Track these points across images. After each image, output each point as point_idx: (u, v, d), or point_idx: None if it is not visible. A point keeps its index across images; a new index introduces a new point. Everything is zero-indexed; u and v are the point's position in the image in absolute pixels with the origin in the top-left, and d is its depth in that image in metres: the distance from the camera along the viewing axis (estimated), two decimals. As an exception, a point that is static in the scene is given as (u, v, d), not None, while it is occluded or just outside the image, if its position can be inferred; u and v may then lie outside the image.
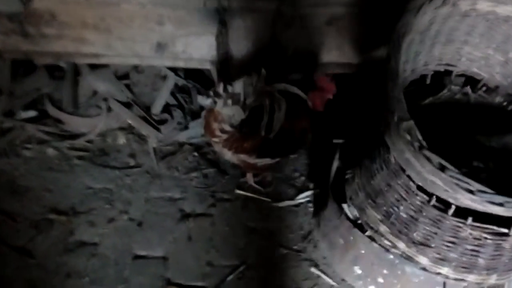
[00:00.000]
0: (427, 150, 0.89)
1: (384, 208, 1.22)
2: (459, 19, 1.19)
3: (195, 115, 1.91)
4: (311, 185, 1.77)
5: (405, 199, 1.15)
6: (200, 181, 1.75)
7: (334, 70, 1.64)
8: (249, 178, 1.73)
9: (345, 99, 1.69)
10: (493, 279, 1.14)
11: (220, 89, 1.36)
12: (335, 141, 1.55)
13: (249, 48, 1.48)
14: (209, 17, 1.45)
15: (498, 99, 1.37)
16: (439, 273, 1.16)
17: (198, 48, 1.59)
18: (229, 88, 1.38)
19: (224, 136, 1.38)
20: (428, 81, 1.35)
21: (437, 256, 1.14)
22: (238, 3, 1.36)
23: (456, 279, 1.15)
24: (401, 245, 1.19)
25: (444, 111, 1.34)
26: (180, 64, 1.66)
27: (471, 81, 1.37)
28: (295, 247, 1.59)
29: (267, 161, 1.48)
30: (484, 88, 1.35)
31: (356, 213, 1.34)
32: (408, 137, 0.92)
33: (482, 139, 1.43)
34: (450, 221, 1.08)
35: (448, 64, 1.31)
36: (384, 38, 1.59)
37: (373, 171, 1.26)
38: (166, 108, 1.91)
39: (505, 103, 1.36)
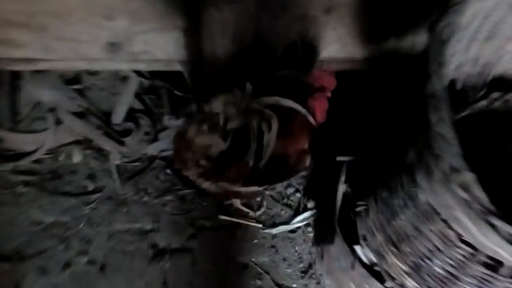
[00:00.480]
0: (494, 216, 0.61)
1: (412, 258, 0.95)
2: (506, 12, 0.89)
3: (166, 121, 1.59)
4: (309, 204, 1.50)
5: (440, 251, 0.88)
6: (176, 206, 1.45)
7: (335, 67, 1.32)
8: (235, 200, 1.44)
9: (350, 101, 1.39)
10: None
11: (193, 109, 1.04)
12: (339, 158, 1.25)
13: (228, 47, 1.15)
14: (174, 8, 1.10)
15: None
16: None
17: (163, 47, 1.24)
18: (205, 108, 1.05)
19: (199, 170, 1.07)
20: (458, 87, 1.05)
21: (483, 322, 0.88)
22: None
23: None
24: (436, 304, 0.93)
25: (479, 122, 1.06)
26: (141, 66, 1.31)
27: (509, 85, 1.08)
28: (294, 286, 1.32)
29: (254, 188, 1.19)
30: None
31: (371, 256, 1.07)
32: (464, 195, 0.63)
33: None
34: (503, 282, 0.82)
35: (485, 65, 1.01)
36: (393, 27, 1.31)
37: (394, 208, 0.98)
38: (130, 116, 1.57)
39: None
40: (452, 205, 0.67)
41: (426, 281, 0.93)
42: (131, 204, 1.44)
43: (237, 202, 1.43)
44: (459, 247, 0.85)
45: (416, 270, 0.94)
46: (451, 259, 0.88)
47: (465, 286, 0.87)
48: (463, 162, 0.64)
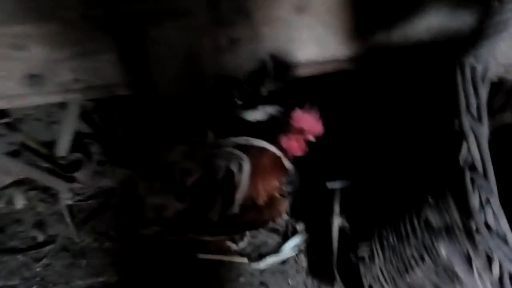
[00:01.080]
0: None
1: (434, 320, 0.78)
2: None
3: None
4: (299, 227, 1.31)
5: (471, 317, 0.71)
6: (144, 249, 1.24)
7: (315, 70, 1.10)
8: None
9: (340, 112, 1.17)
10: None
11: (145, 160, 0.81)
12: (330, 185, 1.05)
13: (179, 70, 0.90)
14: (102, 29, 0.84)
15: None
16: None
17: (99, 72, 0.98)
18: (159, 159, 0.83)
19: (154, 228, 0.86)
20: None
21: None
22: (152, 4, 0.76)
23: None
24: None
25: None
26: (77, 96, 1.05)
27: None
28: (291, 328, 1.16)
29: (224, 238, 0.99)
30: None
31: (382, 308, 0.90)
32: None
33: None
34: None
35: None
36: (380, 18, 1.08)
37: (406, 259, 0.80)
38: (77, 144, 1.32)
39: None
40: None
41: None
42: (90, 253, 1.22)
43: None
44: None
45: (440, 334, 0.78)
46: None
47: None
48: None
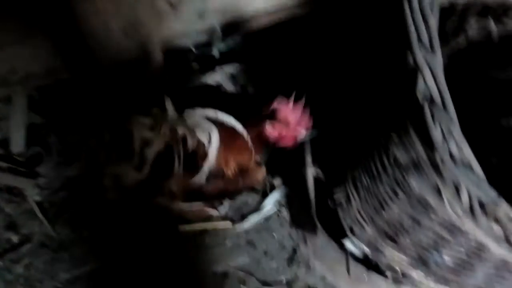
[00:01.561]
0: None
1: (414, 249, 0.81)
2: None
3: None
4: (276, 181, 1.31)
5: (447, 241, 0.74)
6: (125, 231, 1.22)
7: (266, 21, 1.05)
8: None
9: (302, 60, 1.13)
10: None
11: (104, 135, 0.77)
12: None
13: (120, 42, 0.85)
14: (31, 12, 0.77)
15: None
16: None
17: (35, 59, 0.91)
18: (118, 131, 0.79)
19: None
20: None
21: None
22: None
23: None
24: (449, 291, 0.82)
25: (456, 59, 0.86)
26: (17, 88, 0.98)
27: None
28: (284, 279, 1.19)
29: (198, 205, 0.99)
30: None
31: (364, 247, 0.92)
32: (497, 229, 0.46)
33: (497, 73, 1.01)
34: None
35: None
36: None
37: (381, 197, 0.81)
38: (34, 136, 1.25)
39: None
40: (479, 237, 0.50)
41: (435, 272, 0.81)
42: (70, 245, 1.19)
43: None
44: (471, 235, 0.71)
45: (421, 262, 0.81)
46: (462, 247, 0.74)
47: (481, 272, 0.75)
48: (495, 193, 0.45)
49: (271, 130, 0.89)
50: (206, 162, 0.84)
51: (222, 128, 0.84)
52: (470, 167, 0.47)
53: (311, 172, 1.01)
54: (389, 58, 0.55)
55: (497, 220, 0.48)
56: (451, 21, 0.80)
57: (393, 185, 0.77)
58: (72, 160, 1.28)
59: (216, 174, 0.88)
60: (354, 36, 0.93)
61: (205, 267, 1.19)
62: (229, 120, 0.83)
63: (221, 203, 1.19)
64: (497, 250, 0.51)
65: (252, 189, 1.30)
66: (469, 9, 0.79)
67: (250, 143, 0.90)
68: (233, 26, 0.92)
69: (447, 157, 0.47)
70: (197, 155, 0.85)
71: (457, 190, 0.48)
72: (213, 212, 1.25)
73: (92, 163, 0.88)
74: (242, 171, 0.91)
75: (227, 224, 1.24)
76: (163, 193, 0.88)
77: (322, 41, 1.09)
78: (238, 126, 0.84)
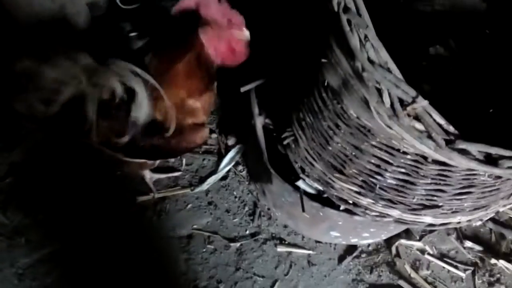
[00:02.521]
0: (462, 140, 0.49)
1: (361, 178, 0.85)
2: None
3: None
4: (230, 141, 1.33)
5: (389, 163, 0.78)
6: (81, 208, 1.19)
7: None
8: (145, 173, 1.20)
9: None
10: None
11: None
12: (243, 89, 1.05)
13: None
14: None
15: None
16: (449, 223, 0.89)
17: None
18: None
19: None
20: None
21: (447, 211, 0.85)
22: None
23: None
24: (396, 212, 0.87)
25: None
26: None
27: None
28: (247, 232, 1.22)
29: (142, 161, 0.99)
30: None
31: (317, 185, 0.96)
32: (420, 127, 0.49)
33: (422, 5, 1.05)
34: (459, 172, 0.76)
35: None
36: None
37: (325, 132, 0.84)
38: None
39: None
40: (406, 137, 0.54)
41: (381, 195, 0.85)
42: (26, 230, 1.15)
43: (147, 174, 1.20)
44: (407, 153, 0.75)
45: (368, 189, 0.85)
46: (402, 167, 0.79)
47: (422, 187, 0.81)
48: (413, 90, 0.48)
49: (207, 40, 0.81)
50: (130, 117, 0.82)
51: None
52: (388, 69, 0.49)
53: (259, 121, 1.03)
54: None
55: (417, 118, 0.52)
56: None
57: (334, 118, 0.80)
58: (13, 145, 1.23)
59: (153, 130, 0.86)
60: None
61: (169, 232, 1.19)
62: (153, 82, 0.80)
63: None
64: (421, 147, 0.55)
65: (208, 152, 1.31)
66: None
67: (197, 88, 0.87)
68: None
69: (366, 63, 0.50)
70: (124, 109, 0.83)
71: (380, 93, 0.51)
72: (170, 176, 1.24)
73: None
74: (182, 130, 0.89)
75: (186, 189, 1.24)
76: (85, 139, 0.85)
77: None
78: (155, 83, 0.81)
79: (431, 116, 0.50)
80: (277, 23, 1.05)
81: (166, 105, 0.85)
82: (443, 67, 0.93)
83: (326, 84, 0.69)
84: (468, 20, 0.97)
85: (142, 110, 0.82)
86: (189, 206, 1.23)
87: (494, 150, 0.52)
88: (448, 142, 0.52)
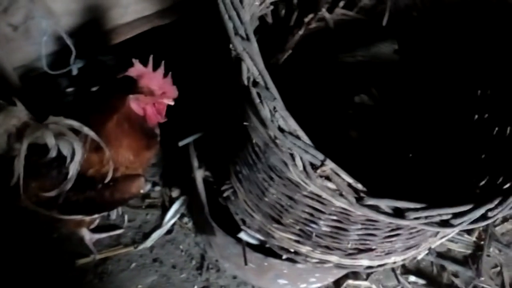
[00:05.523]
0: (369, 196, 0.52)
1: (297, 227, 0.87)
2: None
3: None
4: (174, 193, 1.31)
5: (321, 211, 0.81)
6: (18, 270, 1.12)
7: (142, 28, 1.05)
8: (84, 233, 1.15)
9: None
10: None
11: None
12: (181, 143, 1.06)
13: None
14: None
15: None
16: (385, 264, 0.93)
17: None
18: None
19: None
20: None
21: (381, 253, 0.88)
22: None
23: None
24: (334, 258, 0.90)
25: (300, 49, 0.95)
26: None
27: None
28: (195, 287, 1.19)
29: (79, 217, 0.97)
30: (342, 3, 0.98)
31: (259, 236, 0.97)
32: (332, 186, 0.52)
33: (345, 57, 1.13)
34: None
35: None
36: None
37: (260, 184, 0.86)
38: None
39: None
40: (323, 195, 0.57)
41: (318, 242, 0.87)
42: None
43: (87, 235, 1.15)
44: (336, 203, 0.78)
45: (305, 237, 0.87)
46: (333, 215, 0.81)
47: (354, 233, 0.84)
48: (321, 154, 0.51)
49: (136, 105, 0.85)
50: (61, 174, 0.81)
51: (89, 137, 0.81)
52: (297, 136, 0.53)
53: (199, 175, 1.03)
54: (225, 53, 0.59)
55: (328, 178, 0.55)
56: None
57: (267, 171, 0.82)
58: None
59: (84, 183, 0.85)
60: (210, 37, 0.97)
61: (113, 297, 1.14)
62: (92, 134, 0.80)
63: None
64: (338, 203, 0.58)
65: (151, 206, 1.28)
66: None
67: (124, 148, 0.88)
68: (91, 43, 0.91)
69: (277, 131, 0.53)
70: (58, 166, 0.82)
71: (293, 157, 0.54)
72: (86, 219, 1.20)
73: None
74: (115, 180, 0.88)
75: (129, 248, 1.20)
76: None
77: (188, 47, 1.13)
78: (101, 142, 0.81)
79: (339, 176, 0.54)
80: (211, 80, 1.09)
81: (105, 156, 0.84)
82: (367, 114, 1.00)
83: (253, 141, 0.72)
84: (386, 70, 1.05)
85: (76, 166, 0.81)
86: (133, 265, 1.19)
87: (400, 204, 0.56)
88: (358, 199, 0.56)
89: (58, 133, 0.83)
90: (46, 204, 0.89)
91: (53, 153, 0.82)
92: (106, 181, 0.84)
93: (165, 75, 0.86)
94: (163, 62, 0.84)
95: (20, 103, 0.80)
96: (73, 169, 0.80)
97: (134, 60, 0.80)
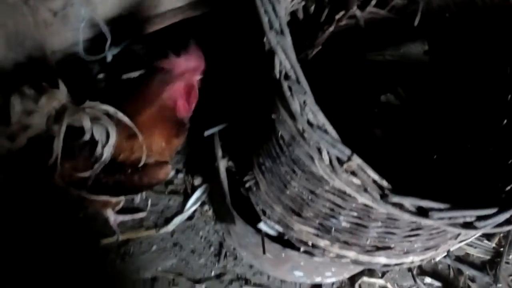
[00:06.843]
0: (393, 193, 0.53)
1: (317, 221, 0.88)
2: None
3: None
4: (196, 181, 1.34)
5: (342, 207, 0.82)
6: (39, 250, 1.17)
7: (174, 18, 1.07)
8: (109, 214, 1.20)
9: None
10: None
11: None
12: (206, 133, 1.08)
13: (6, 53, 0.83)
14: None
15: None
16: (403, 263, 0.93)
17: None
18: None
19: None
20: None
21: (399, 251, 0.89)
22: None
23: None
24: (352, 253, 0.91)
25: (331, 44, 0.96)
26: None
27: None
28: (212, 274, 1.22)
29: (106, 198, 1.00)
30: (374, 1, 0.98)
31: (277, 227, 0.99)
32: (357, 181, 0.54)
33: (374, 55, 1.13)
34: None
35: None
36: None
37: (283, 176, 0.88)
38: None
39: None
40: (347, 190, 0.58)
41: (337, 237, 0.89)
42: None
43: (111, 216, 1.20)
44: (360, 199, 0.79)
45: (324, 231, 0.89)
46: (354, 211, 0.83)
47: (374, 230, 0.85)
48: (348, 149, 0.52)
49: (169, 97, 0.89)
50: (99, 159, 0.85)
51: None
52: (325, 131, 0.54)
53: (222, 164, 1.06)
54: (258, 46, 0.61)
55: (354, 173, 0.56)
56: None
57: (290, 164, 0.84)
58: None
59: (115, 167, 0.89)
60: (241, 31, 0.99)
61: (133, 275, 1.18)
62: (127, 120, 0.84)
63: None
64: (362, 199, 0.59)
65: (174, 192, 1.32)
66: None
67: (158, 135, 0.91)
68: (125, 31, 0.93)
69: (306, 125, 0.54)
70: (90, 149, 0.86)
71: (320, 151, 0.55)
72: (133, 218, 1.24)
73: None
74: (145, 166, 0.92)
75: (150, 231, 1.24)
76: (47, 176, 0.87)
77: (218, 38, 1.15)
78: (135, 129, 0.85)
79: (365, 172, 0.55)
80: (239, 72, 1.10)
81: (139, 143, 0.88)
82: (393, 114, 1.00)
83: (279, 134, 0.73)
84: (415, 70, 1.05)
85: (109, 149, 0.84)
86: (154, 247, 1.23)
87: (425, 203, 0.56)
88: (383, 196, 0.57)
89: (94, 117, 0.87)
90: (77, 184, 0.94)
91: (87, 136, 0.86)
92: (140, 165, 0.88)
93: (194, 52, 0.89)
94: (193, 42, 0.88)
95: (64, 86, 0.83)
96: (106, 152, 0.83)
97: (168, 51, 0.83)
